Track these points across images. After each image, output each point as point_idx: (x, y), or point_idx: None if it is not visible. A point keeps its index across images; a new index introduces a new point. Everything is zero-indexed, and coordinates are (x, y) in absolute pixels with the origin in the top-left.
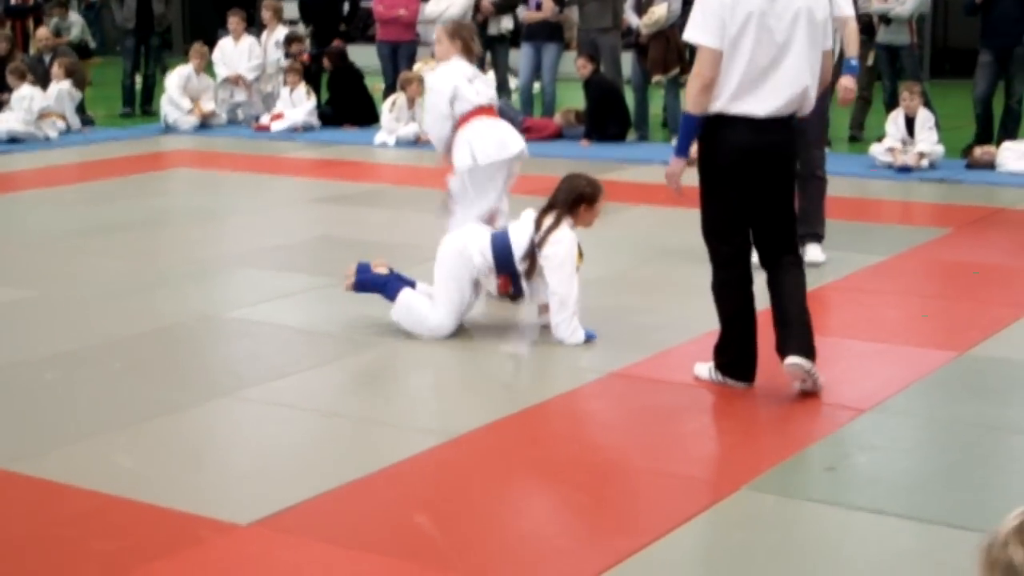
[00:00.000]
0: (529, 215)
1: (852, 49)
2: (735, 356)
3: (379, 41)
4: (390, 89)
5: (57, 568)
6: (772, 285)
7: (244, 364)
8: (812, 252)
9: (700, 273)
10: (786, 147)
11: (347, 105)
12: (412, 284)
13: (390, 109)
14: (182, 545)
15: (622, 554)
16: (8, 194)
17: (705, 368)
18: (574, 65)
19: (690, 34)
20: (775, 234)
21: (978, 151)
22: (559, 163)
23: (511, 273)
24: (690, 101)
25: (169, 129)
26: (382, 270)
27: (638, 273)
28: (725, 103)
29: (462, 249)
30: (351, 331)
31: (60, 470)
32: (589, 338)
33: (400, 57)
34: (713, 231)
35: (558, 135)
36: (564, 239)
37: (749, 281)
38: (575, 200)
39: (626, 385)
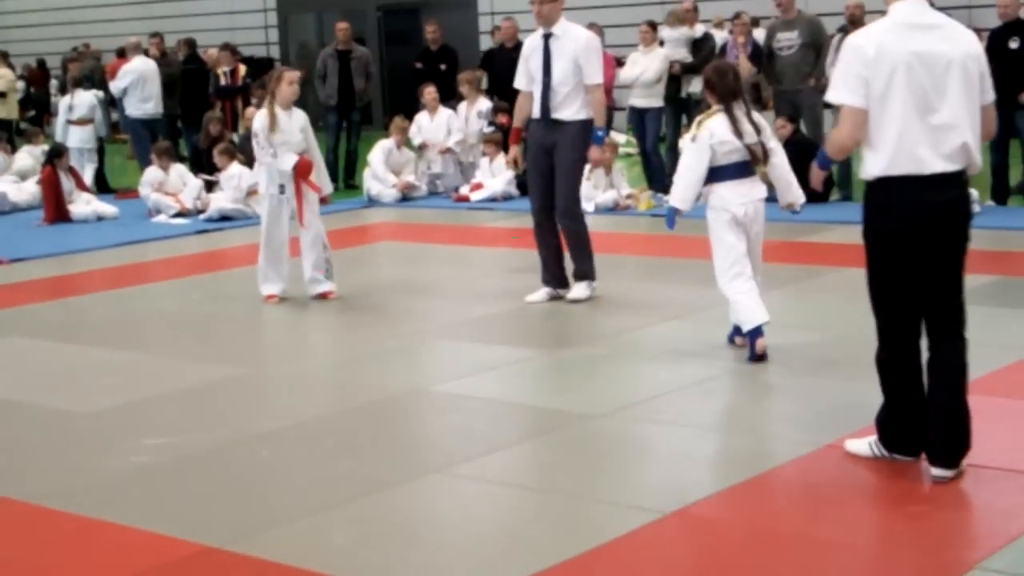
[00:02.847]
0: (719, 124)
1: (600, 119)
2: (901, 433)
3: None
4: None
5: None
6: (930, 368)
7: (454, 439)
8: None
9: None
10: (958, 206)
11: None
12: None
13: (588, 176)
14: None
15: None
16: (220, 271)
17: (864, 443)
18: (773, 125)
19: (831, 94)
20: (940, 307)
21: None
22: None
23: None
24: (831, 152)
25: (372, 202)
26: None
27: (845, 341)
28: (885, 165)
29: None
30: (559, 404)
31: (277, 549)
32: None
33: None
34: (882, 300)
35: None
36: (761, 119)
37: (918, 357)
38: (738, 90)
39: (842, 457)
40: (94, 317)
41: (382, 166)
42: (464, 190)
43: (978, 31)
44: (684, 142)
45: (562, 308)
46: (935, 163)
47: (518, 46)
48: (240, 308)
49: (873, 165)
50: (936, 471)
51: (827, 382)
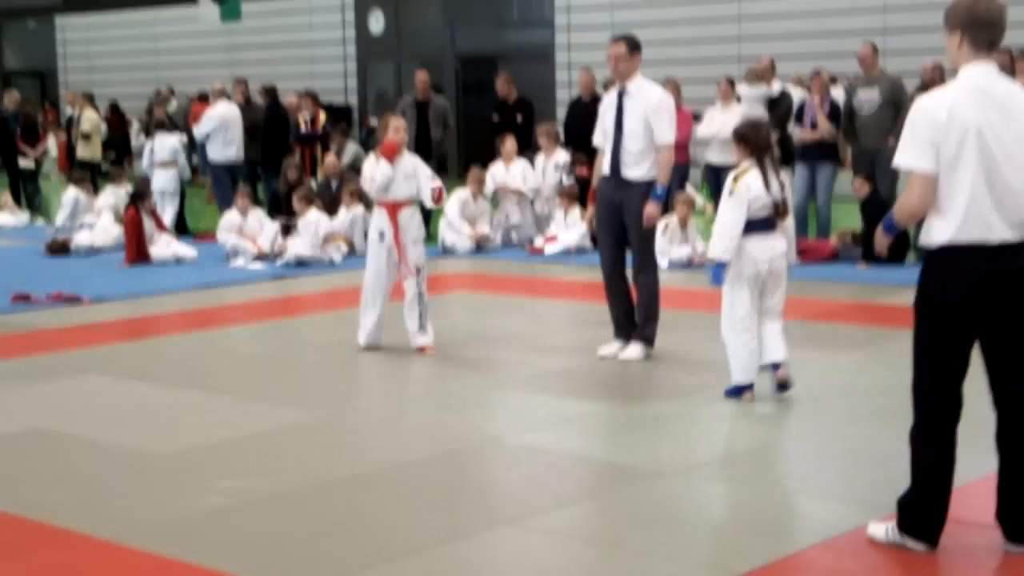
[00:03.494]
0: (755, 179)
1: (663, 177)
2: (924, 517)
3: None
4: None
5: None
6: (1002, 441)
7: (526, 491)
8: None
9: (979, 405)
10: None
11: None
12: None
13: (663, 231)
14: None
15: None
16: (297, 317)
17: (882, 528)
18: (850, 185)
19: (900, 158)
20: (1009, 380)
21: None
22: (836, 286)
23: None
24: (900, 218)
25: (447, 252)
26: None
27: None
28: (954, 232)
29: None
30: (631, 459)
31: None
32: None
33: (673, 178)
34: (929, 373)
35: (834, 257)
36: (784, 176)
37: (953, 437)
38: (769, 145)
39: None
40: (172, 358)
41: (457, 216)
42: (538, 242)
43: None
44: (723, 196)
45: (635, 363)
46: (1003, 231)
47: (595, 99)
48: (316, 354)
49: (941, 232)
50: (1014, 547)
51: (902, 448)
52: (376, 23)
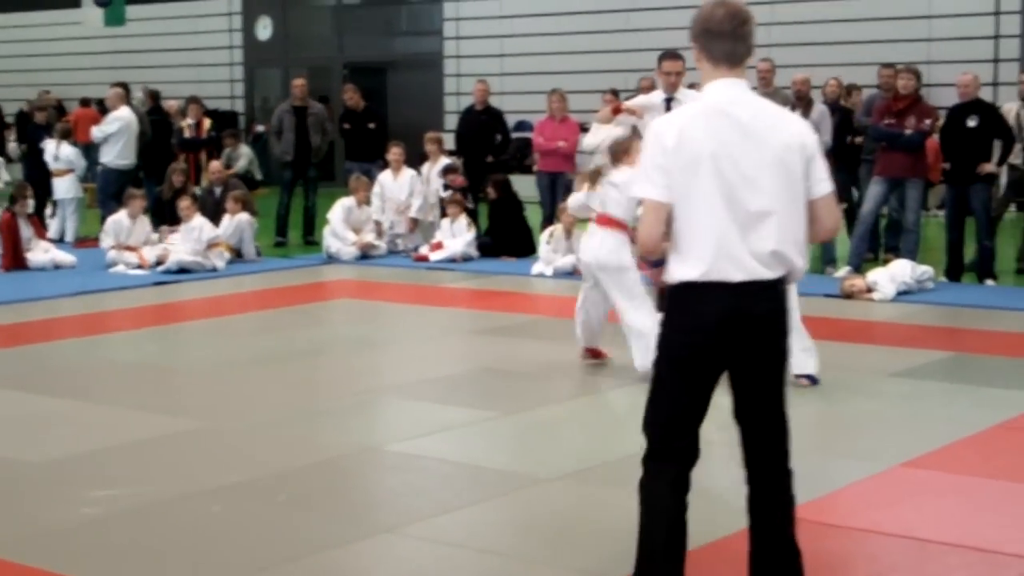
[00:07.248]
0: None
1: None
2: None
3: (538, 171)
4: (548, 220)
5: None
6: (753, 505)
7: (407, 499)
8: None
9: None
10: (772, 316)
11: (506, 236)
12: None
13: (548, 240)
14: None
15: None
16: (176, 324)
17: None
18: None
19: (634, 188)
20: (761, 436)
21: None
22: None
23: None
24: (640, 251)
25: (331, 259)
26: None
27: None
28: (691, 268)
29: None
30: (515, 465)
31: None
32: None
33: (559, 187)
34: (659, 418)
35: None
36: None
37: (685, 489)
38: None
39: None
40: (48, 366)
41: (341, 224)
42: (423, 250)
43: (937, 109)
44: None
45: (521, 371)
46: (748, 265)
47: (488, 109)
48: (195, 361)
49: (678, 268)
50: None
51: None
52: (264, 30)
